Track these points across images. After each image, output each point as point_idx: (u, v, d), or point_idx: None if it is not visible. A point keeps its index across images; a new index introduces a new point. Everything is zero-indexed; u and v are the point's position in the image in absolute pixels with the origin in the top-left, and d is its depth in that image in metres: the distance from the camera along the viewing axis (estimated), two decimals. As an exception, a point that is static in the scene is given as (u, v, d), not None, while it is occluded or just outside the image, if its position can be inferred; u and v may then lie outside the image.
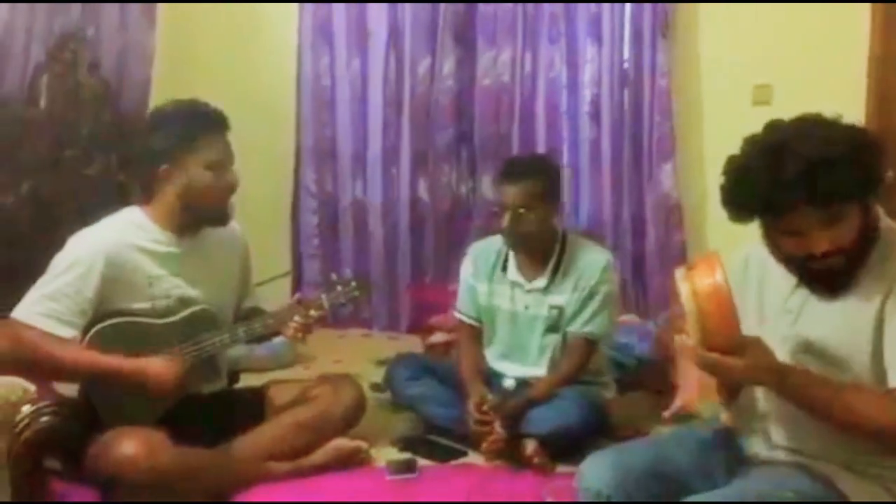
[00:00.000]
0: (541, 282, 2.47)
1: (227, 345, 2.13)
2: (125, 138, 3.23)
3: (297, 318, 2.17)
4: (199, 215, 2.11)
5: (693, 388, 1.58)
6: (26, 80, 3.10)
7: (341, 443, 2.20)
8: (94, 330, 1.96)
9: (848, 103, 2.88)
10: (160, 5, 3.63)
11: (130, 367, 1.93)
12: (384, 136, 3.88)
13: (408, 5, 3.79)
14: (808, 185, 1.34)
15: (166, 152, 2.05)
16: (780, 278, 1.54)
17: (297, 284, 3.92)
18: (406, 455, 2.28)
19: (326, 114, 3.95)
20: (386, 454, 2.28)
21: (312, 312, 2.19)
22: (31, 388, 1.90)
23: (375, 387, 2.78)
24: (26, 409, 1.85)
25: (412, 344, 3.38)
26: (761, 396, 1.55)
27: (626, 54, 3.61)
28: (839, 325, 1.45)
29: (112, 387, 1.95)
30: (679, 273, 1.43)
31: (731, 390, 1.47)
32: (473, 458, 2.31)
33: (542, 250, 2.48)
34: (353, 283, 2.29)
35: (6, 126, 3.03)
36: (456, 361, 2.61)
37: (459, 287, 2.64)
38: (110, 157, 3.36)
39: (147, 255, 2.05)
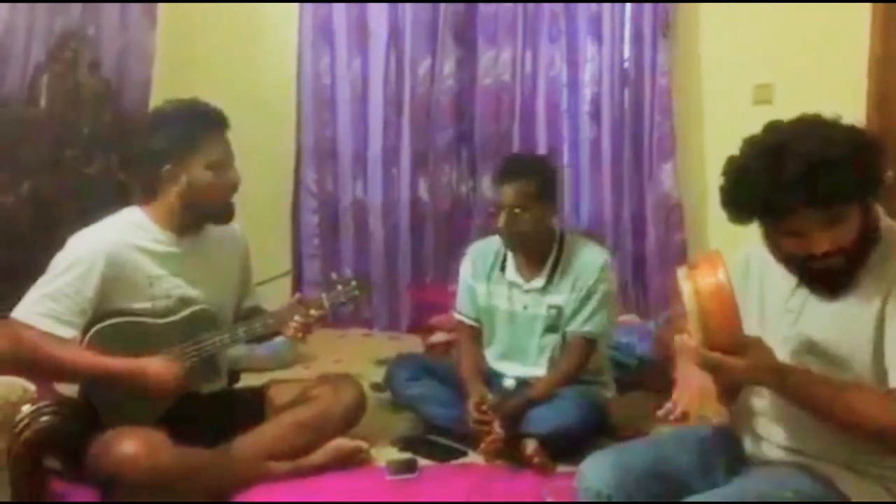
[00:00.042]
0: (539, 282, 2.46)
1: (228, 344, 2.13)
2: (125, 138, 3.22)
3: (297, 317, 2.17)
4: (202, 214, 2.11)
5: (690, 390, 1.57)
6: (26, 80, 3.11)
7: (341, 443, 2.20)
8: (94, 330, 1.96)
9: (848, 103, 2.88)
10: (160, 5, 3.63)
11: (130, 368, 1.93)
12: (384, 135, 3.88)
13: (408, 5, 3.79)
14: (808, 187, 1.33)
15: (167, 152, 2.05)
16: (781, 278, 1.54)
17: (298, 284, 3.92)
18: (406, 455, 2.28)
19: (327, 114, 3.95)
20: (386, 454, 2.28)
21: (313, 312, 2.19)
22: (31, 388, 1.89)
23: (376, 387, 2.78)
24: (26, 409, 1.85)
25: (412, 344, 3.38)
26: (761, 396, 1.55)
27: (627, 53, 3.60)
28: (840, 325, 1.45)
29: (112, 387, 1.95)
30: (681, 272, 1.42)
31: (731, 391, 1.47)
32: (473, 457, 2.30)
33: (539, 250, 2.47)
34: (354, 283, 2.29)
35: (6, 126, 3.03)
36: (456, 361, 2.62)
37: (458, 287, 2.64)
38: (111, 156, 3.36)
39: (147, 255, 2.05)
